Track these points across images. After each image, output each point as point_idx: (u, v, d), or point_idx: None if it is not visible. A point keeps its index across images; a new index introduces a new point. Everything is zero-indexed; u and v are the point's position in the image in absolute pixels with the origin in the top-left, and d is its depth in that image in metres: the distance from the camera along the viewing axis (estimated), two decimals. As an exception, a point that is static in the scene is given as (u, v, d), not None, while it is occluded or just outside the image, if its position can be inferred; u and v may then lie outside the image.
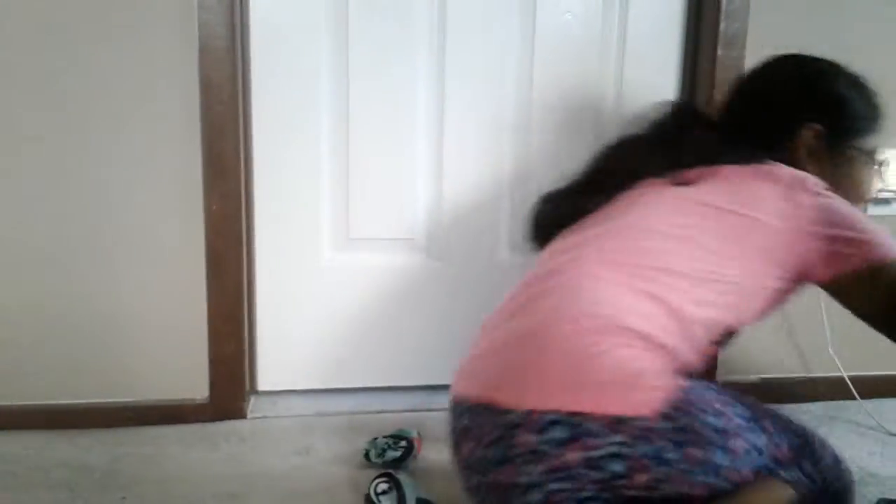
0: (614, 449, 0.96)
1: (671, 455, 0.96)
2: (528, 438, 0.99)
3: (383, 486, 1.40)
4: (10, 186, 1.61)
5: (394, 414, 1.79)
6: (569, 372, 1.01)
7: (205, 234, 1.68)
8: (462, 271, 1.89)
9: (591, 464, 0.97)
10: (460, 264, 1.89)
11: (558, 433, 0.98)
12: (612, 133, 1.40)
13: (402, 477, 1.42)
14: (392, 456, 1.55)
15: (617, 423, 0.97)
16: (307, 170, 1.79)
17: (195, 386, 1.74)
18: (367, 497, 1.42)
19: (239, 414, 1.76)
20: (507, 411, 1.02)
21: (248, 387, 1.81)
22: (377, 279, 1.87)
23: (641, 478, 0.96)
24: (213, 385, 1.74)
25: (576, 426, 0.97)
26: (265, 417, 1.78)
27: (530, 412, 1.00)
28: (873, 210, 1.86)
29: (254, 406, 1.82)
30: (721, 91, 1.66)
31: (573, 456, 0.97)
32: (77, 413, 1.69)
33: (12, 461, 1.55)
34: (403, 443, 1.57)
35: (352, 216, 1.83)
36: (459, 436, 1.12)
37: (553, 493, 0.98)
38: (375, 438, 1.60)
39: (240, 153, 1.70)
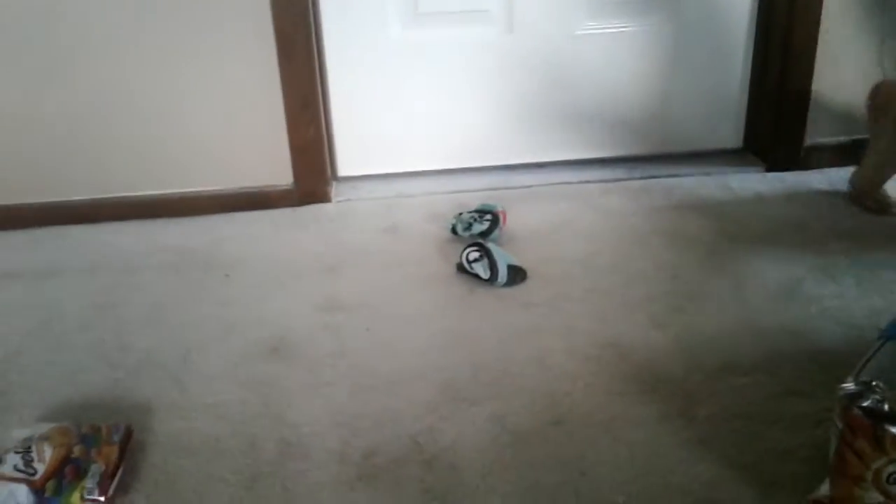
0: None
1: None
2: None
3: (475, 255, 1.43)
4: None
5: (473, 193, 1.80)
6: None
7: (272, 18, 1.64)
8: (539, 44, 1.81)
9: None
10: (537, 36, 1.80)
11: None
12: None
13: (491, 246, 1.44)
14: (479, 229, 1.57)
15: None
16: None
17: (280, 173, 1.76)
18: (459, 265, 1.46)
19: (324, 198, 1.79)
20: None
21: (329, 172, 1.83)
22: (449, 56, 1.81)
23: None
24: (297, 171, 1.76)
25: None
26: (349, 200, 1.81)
27: None
28: None
29: (337, 190, 1.85)
30: None
31: None
32: (173, 202, 1.75)
33: (116, 248, 1.63)
34: (489, 216, 1.59)
35: (420, -12, 1.74)
36: None
37: None
38: (461, 213, 1.62)
39: (299, -74, 1.61)
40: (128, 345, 1.30)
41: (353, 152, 1.88)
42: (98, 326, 1.36)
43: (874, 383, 0.83)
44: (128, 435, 1.06)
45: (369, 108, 1.84)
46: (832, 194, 1.72)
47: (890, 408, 0.82)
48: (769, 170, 1.85)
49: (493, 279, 1.42)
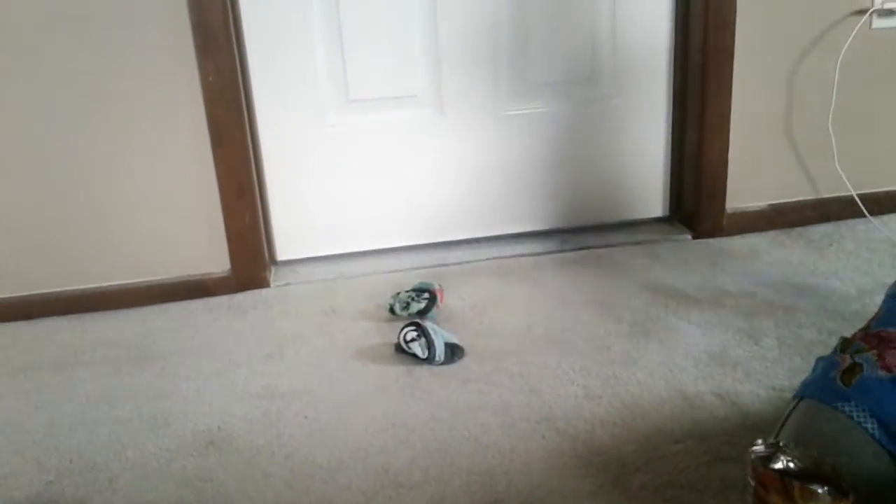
0: None
1: None
2: None
3: (412, 334, 1.45)
4: (16, 85, 1.60)
5: (411, 271, 1.83)
6: None
7: (205, 108, 1.67)
8: (469, 125, 1.87)
9: None
10: (466, 118, 1.87)
11: None
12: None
13: (428, 325, 1.46)
14: (416, 308, 1.60)
15: None
16: (299, 33, 1.75)
17: (217, 260, 1.77)
18: (398, 345, 1.47)
19: (262, 283, 1.80)
20: None
21: (267, 257, 1.85)
22: (382, 139, 1.86)
23: None
24: (234, 257, 1.77)
25: None
26: (288, 284, 1.82)
27: None
28: (878, 22, 1.83)
29: (275, 275, 1.86)
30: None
31: None
32: (107, 295, 1.74)
33: (49, 344, 1.61)
34: (426, 294, 1.61)
35: (350, 77, 1.80)
36: None
37: None
38: (398, 293, 1.64)
39: (229, 21, 1.66)
40: (60, 445, 1.27)
41: (291, 236, 1.90)
42: (29, 427, 1.33)
43: (782, 444, 0.86)
44: (57, 542, 1.03)
45: (306, 192, 1.87)
46: (754, 258, 1.79)
47: (801, 467, 0.85)
48: (695, 237, 1.93)
49: (430, 358, 1.43)
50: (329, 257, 1.93)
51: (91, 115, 1.64)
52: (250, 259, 1.79)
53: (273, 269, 1.88)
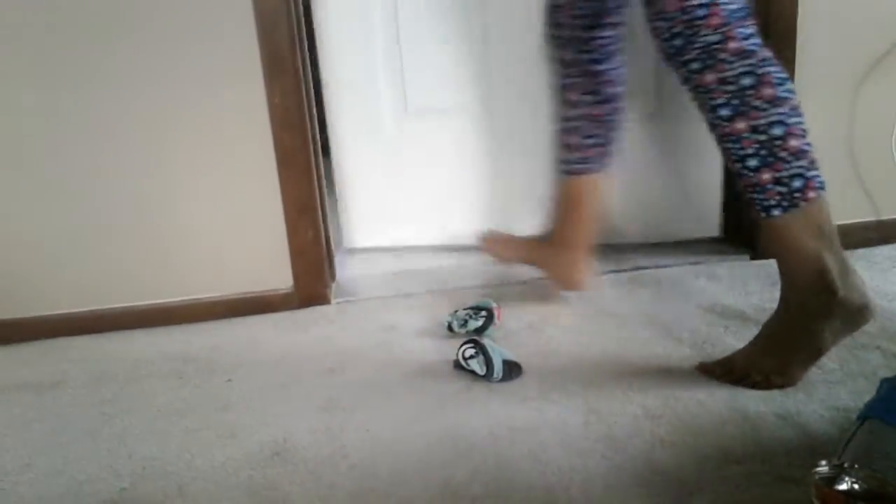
0: None
1: None
2: None
3: (470, 352, 1.47)
4: (91, 107, 1.67)
5: (470, 290, 1.86)
6: None
7: (271, 129, 1.73)
8: (519, 137, 1.91)
9: None
10: (517, 130, 1.90)
11: None
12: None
13: (486, 342, 1.49)
14: (474, 325, 1.62)
15: None
16: (362, 48, 1.80)
17: (280, 277, 1.82)
18: (456, 362, 1.49)
19: (323, 300, 1.85)
20: None
21: (328, 274, 1.89)
22: (439, 147, 1.90)
23: None
24: (297, 275, 1.82)
25: None
26: (349, 301, 1.86)
27: None
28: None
29: (336, 291, 1.90)
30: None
31: None
32: (175, 310, 1.80)
33: (121, 357, 1.68)
34: (484, 312, 1.64)
35: (409, 88, 1.84)
36: None
37: None
38: (456, 310, 1.67)
39: (295, 45, 1.71)
40: (133, 453, 1.32)
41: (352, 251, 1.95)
42: (103, 436, 1.39)
43: (846, 465, 0.86)
44: (133, 545, 1.07)
45: (366, 206, 1.91)
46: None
47: (867, 488, 0.85)
48: (753, 258, 1.91)
49: (489, 375, 1.45)
50: (388, 273, 1.96)
51: (161, 136, 1.71)
52: (312, 276, 1.84)
53: (334, 284, 1.93)
